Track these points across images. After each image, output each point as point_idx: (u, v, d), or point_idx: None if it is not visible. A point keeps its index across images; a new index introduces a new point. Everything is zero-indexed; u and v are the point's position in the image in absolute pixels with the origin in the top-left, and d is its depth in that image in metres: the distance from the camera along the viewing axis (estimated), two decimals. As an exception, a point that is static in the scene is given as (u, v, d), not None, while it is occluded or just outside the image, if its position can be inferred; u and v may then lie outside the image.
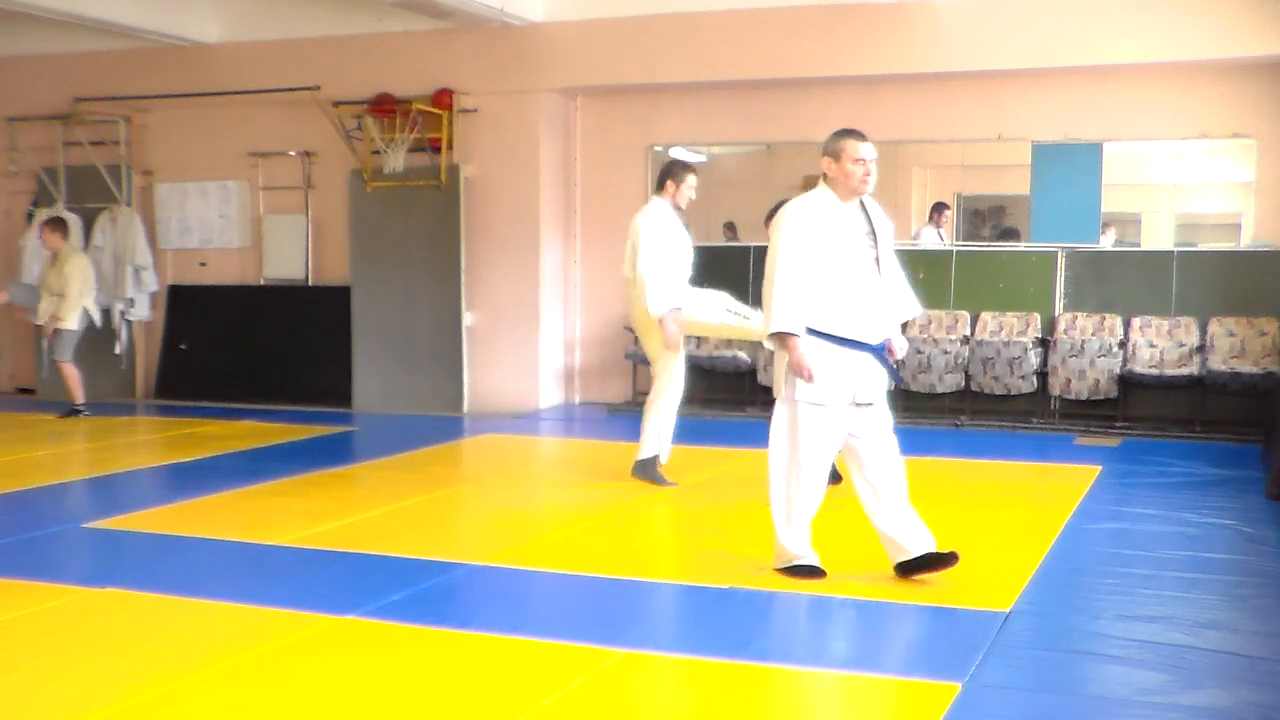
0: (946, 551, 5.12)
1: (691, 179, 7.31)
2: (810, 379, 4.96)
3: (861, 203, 5.10)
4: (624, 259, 7.33)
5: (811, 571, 5.17)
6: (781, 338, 5.00)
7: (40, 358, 11.92)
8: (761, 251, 10.40)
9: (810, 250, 4.97)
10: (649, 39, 10.29)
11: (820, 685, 4.01)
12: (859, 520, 6.52)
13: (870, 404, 5.11)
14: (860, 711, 3.82)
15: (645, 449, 7.37)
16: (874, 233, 5.09)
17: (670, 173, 7.31)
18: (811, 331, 4.98)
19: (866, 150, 5.01)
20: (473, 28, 10.58)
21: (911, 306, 5.37)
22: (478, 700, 3.90)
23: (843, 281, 4.99)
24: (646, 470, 7.35)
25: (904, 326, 5.46)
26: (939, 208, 10.92)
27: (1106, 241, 10.09)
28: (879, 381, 5.15)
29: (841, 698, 3.92)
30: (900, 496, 5.18)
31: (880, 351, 5.10)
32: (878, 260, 5.07)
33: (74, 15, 10.31)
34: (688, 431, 8.53)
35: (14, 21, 10.94)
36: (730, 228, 11.26)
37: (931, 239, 10.75)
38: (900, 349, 5.21)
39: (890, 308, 5.19)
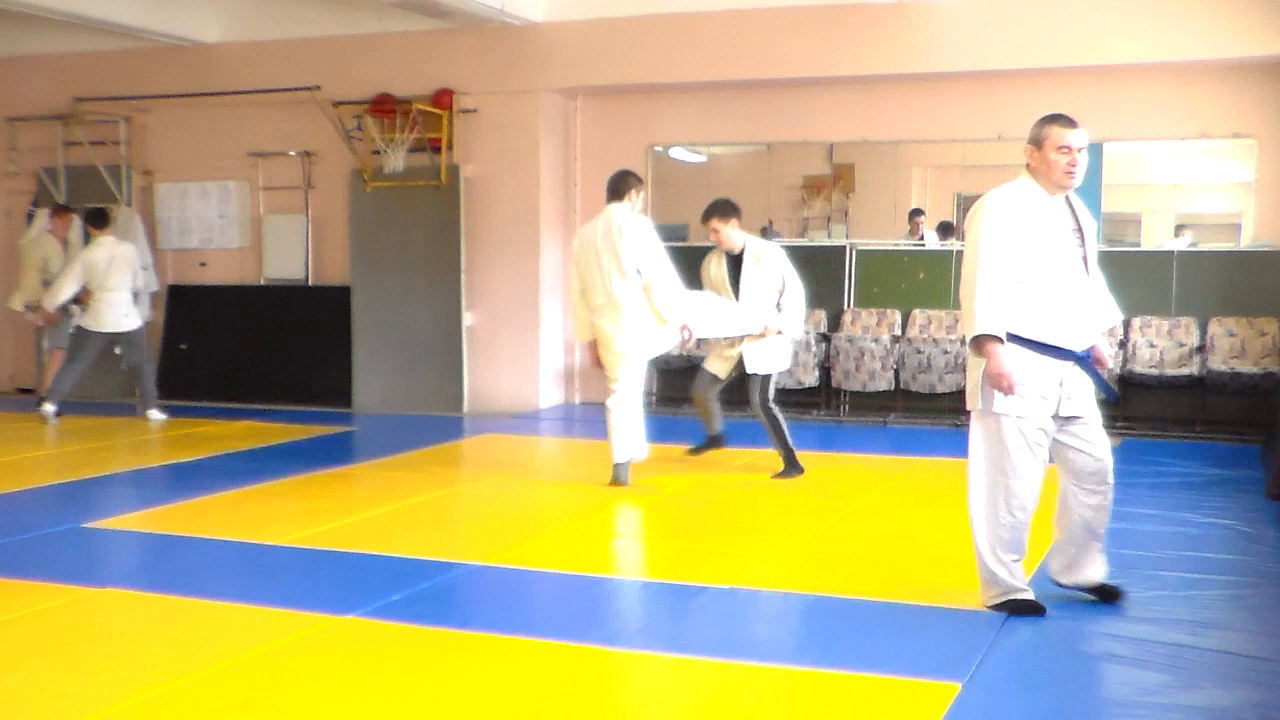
0: (1114, 585, 4.87)
1: (641, 192, 7.44)
2: (1010, 390, 4.49)
3: (1067, 198, 4.64)
4: (594, 270, 7.17)
5: (1029, 608, 4.69)
6: (980, 344, 4.51)
7: (40, 358, 11.93)
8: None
9: (1013, 246, 4.49)
10: (649, 39, 10.29)
11: (820, 685, 4.01)
12: (856, 519, 6.53)
13: (1078, 417, 4.67)
14: (860, 711, 3.82)
15: (628, 452, 7.35)
16: (1081, 230, 4.61)
17: (630, 183, 7.33)
18: (1011, 337, 4.52)
19: (1074, 137, 4.52)
20: (473, 28, 10.58)
21: (1113, 313, 4.89)
22: (478, 700, 3.90)
23: (1047, 282, 4.54)
24: (624, 474, 7.31)
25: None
26: (916, 213, 10.94)
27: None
28: (1086, 393, 4.67)
29: (841, 698, 3.92)
30: (1090, 524, 4.81)
31: (1085, 360, 4.64)
32: (1085, 260, 4.60)
33: (74, 15, 10.31)
34: (688, 431, 8.55)
35: (14, 21, 10.94)
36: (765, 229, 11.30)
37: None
38: (1107, 358, 4.80)
39: (1096, 313, 4.75)
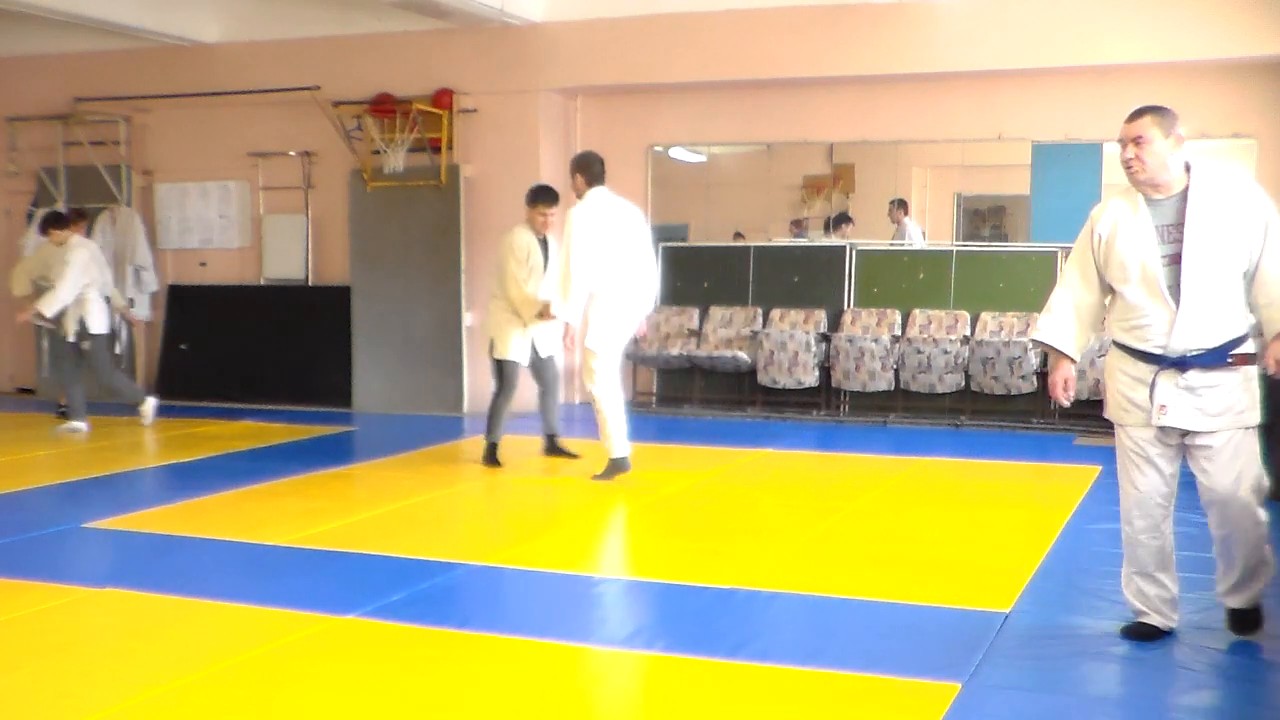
0: (1246, 608, 4.52)
1: None
2: (1059, 398, 4.50)
3: (1186, 193, 4.26)
4: (619, 251, 7.35)
5: (1145, 632, 4.47)
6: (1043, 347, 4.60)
7: (40, 358, 11.95)
8: (763, 251, 10.40)
9: (1087, 254, 4.42)
10: (649, 39, 10.29)
11: (820, 685, 4.01)
12: (856, 519, 6.54)
13: (1195, 434, 4.32)
14: (860, 711, 3.82)
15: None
16: (1181, 225, 4.24)
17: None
18: (1116, 343, 4.45)
19: (1124, 129, 4.31)
20: (473, 28, 10.58)
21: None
22: (478, 700, 3.90)
23: (1129, 285, 4.32)
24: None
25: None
26: (899, 204, 10.95)
27: None
28: (1195, 406, 4.27)
29: (842, 698, 3.92)
30: (1231, 557, 4.49)
31: (1180, 364, 4.24)
32: (1178, 258, 4.21)
33: (74, 15, 10.30)
34: (688, 431, 8.56)
35: (14, 21, 10.94)
36: (797, 223, 11.29)
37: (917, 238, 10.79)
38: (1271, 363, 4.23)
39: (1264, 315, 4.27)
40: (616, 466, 7.36)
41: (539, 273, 7.90)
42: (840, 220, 10.99)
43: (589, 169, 7.52)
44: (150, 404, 10.00)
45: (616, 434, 7.36)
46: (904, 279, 10.33)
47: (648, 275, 7.55)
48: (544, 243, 7.99)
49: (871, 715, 3.79)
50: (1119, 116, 10.41)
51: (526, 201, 8.08)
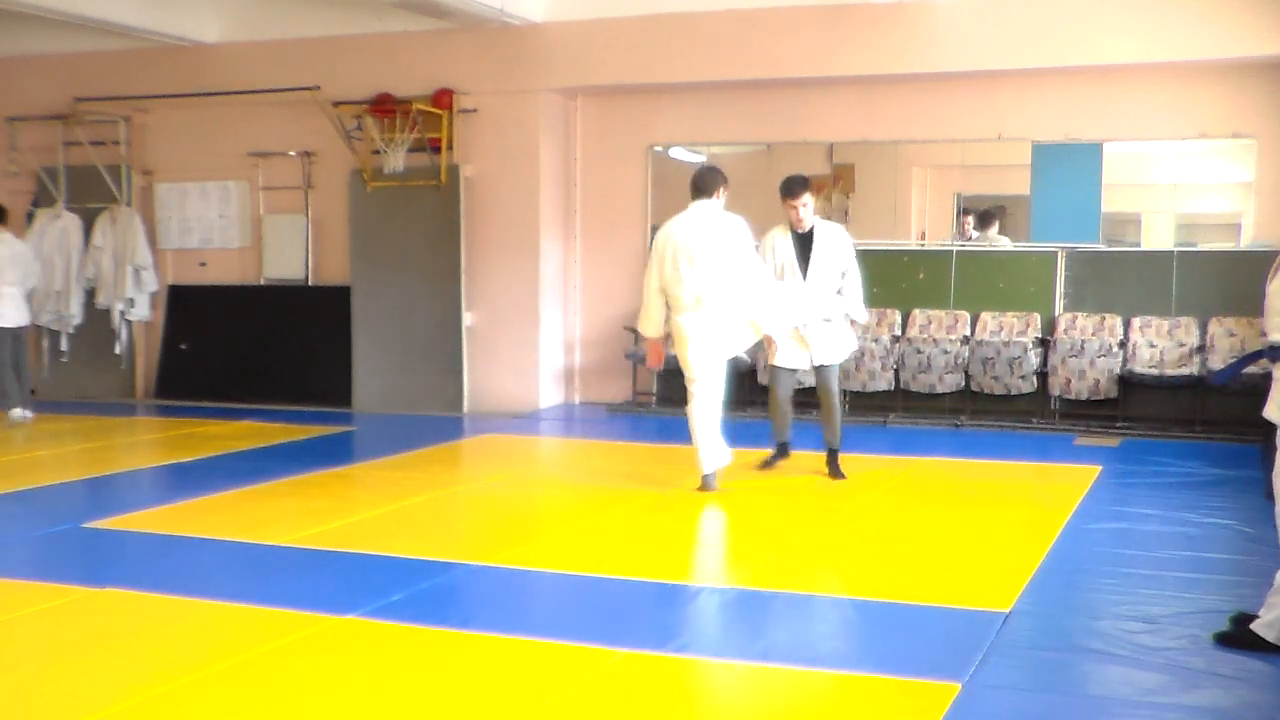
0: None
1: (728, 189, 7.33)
2: None
3: None
4: (684, 267, 7.02)
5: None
6: None
7: (40, 358, 11.94)
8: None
9: None
10: (649, 39, 10.29)
11: (820, 685, 4.01)
12: (856, 519, 6.54)
13: None
14: (860, 711, 3.82)
15: (716, 461, 7.21)
16: None
17: (719, 180, 7.24)
18: None
19: None
20: (473, 28, 10.58)
21: None
22: (478, 700, 3.90)
23: None
24: (714, 483, 7.21)
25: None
26: (966, 212, 10.85)
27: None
28: None
29: (842, 698, 3.92)
30: None
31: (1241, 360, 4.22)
32: None
33: (74, 15, 10.31)
34: (688, 432, 8.53)
35: (14, 21, 10.94)
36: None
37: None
38: None
39: None
40: (703, 484, 7.16)
41: (789, 272, 7.42)
42: (987, 218, 10.59)
43: (691, 183, 7.20)
44: (15, 414, 10.10)
45: (702, 451, 7.14)
46: (904, 279, 10.33)
47: (749, 290, 6.99)
48: (805, 239, 7.43)
49: (871, 715, 3.79)
50: (1119, 116, 10.45)
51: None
